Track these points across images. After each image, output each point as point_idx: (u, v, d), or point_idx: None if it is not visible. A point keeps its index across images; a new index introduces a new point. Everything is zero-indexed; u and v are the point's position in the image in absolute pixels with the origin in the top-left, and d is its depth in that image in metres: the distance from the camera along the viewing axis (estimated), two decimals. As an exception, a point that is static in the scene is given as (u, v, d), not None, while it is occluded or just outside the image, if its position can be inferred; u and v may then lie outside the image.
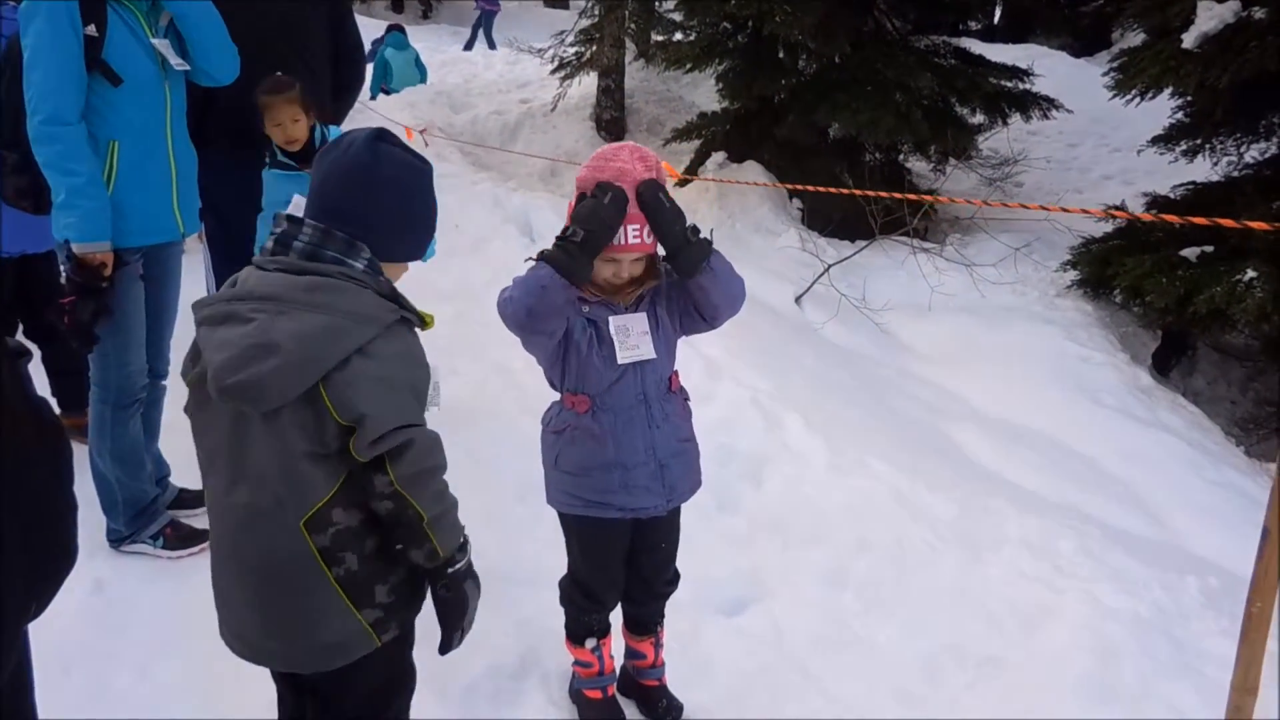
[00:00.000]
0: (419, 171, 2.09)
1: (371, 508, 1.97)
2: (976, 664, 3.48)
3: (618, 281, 2.65)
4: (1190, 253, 7.14)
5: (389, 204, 2.03)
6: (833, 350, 6.73)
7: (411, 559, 2.02)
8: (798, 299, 7.44)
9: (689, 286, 2.62)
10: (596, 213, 2.45)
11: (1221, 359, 8.16)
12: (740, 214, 8.89)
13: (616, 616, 3.01)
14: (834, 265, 7.67)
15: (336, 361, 1.88)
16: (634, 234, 2.53)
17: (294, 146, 3.83)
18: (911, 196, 6.48)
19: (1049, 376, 6.60)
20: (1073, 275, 7.87)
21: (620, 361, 2.66)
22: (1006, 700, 3.31)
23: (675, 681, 3.11)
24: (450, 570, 2.04)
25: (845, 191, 6.24)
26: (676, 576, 3.00)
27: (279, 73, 3.74)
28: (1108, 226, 8.01)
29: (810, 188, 6.34)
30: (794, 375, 5.81)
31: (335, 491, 1.95)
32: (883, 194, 6.36)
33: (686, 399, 2.87)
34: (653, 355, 2.70)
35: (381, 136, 2.04)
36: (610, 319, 2.67)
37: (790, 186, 8.16)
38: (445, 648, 2.10)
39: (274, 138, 3.82)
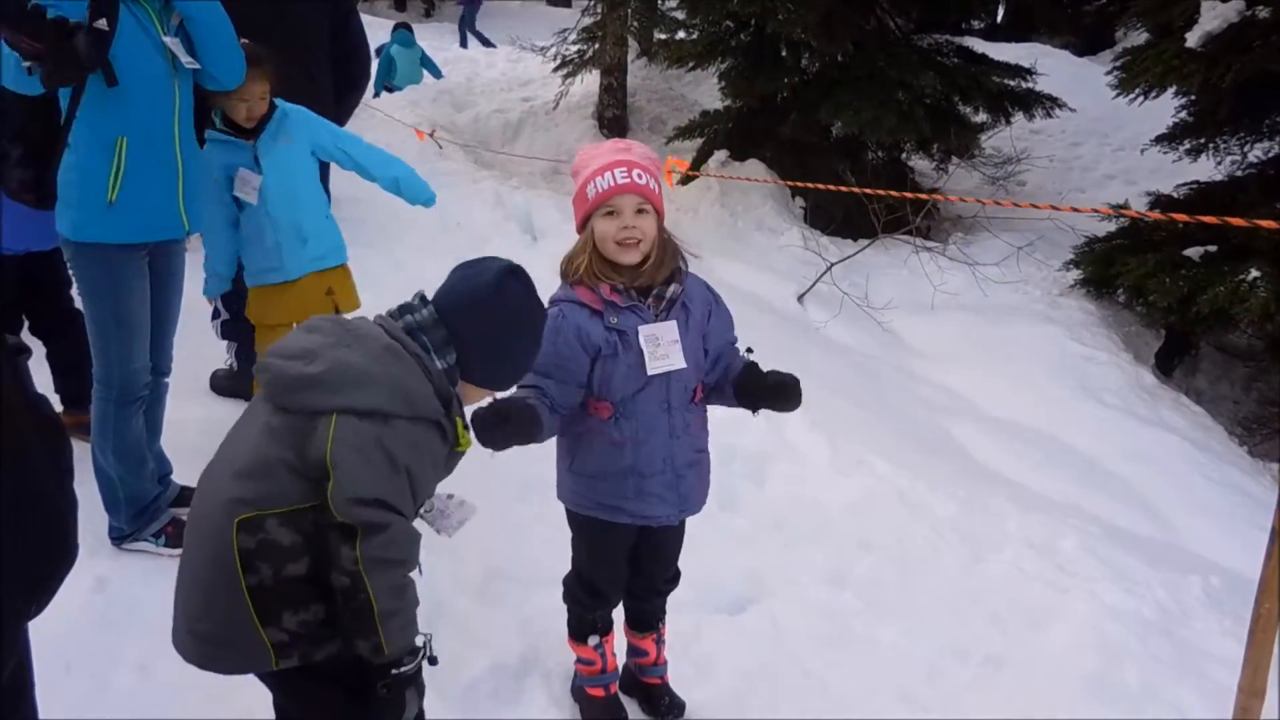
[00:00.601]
0: (531, 318, 2.26)
1: (330, 580, 1.95)
2: (978, 663, 3.47)
3: (627, 240, 2.56)
4: (1193, 252, 7.14)
5: (493, 336, 2.19)
6: (835, 349, 6.73)
7: (357, 649, 1.97)
8: (800, 298, 7.43)
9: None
10: (485, 427, 2.36)
11: (1224, 359, 8.15)
12: (743, 212, 8.89)
13: (618, 615, 3.00)
14: (836, 264, 7.66)
15: (359, 407, 1.94)
16: (621, 175, 2.51)
17: (252, 124, 3.66)
18: (914, 195, 6.49)
19: (1051, 375, 6.60)
20: (1075, 274, 7.87)
21: (650, 373, 2.62)
22: (1009, 700, 3.30)
23: (677, 680, 3.11)
24: (394, 672, 1.99)
25: (847, 190, 6.24)
26: (678, 574, 2.99)
27: (244, 40, 3.53)
28: (1111, 226, 8.00)
29: (813, 185, 6.34)
30: (796, 374, 5.81)
31: (286, 510, 1.95)
32: (885, 192, 6.35)
33: (706, 410, 2.83)
34: (683, 365, 2.65)
35: (514, 272, 2.19)
36: (640, 329, 2.61)
37: (793, 184, 8.15)
38: None
39: (237, 114, 3.63)
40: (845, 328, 7.05)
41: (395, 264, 6.01)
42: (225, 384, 4.28)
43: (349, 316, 2.25)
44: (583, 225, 2.65)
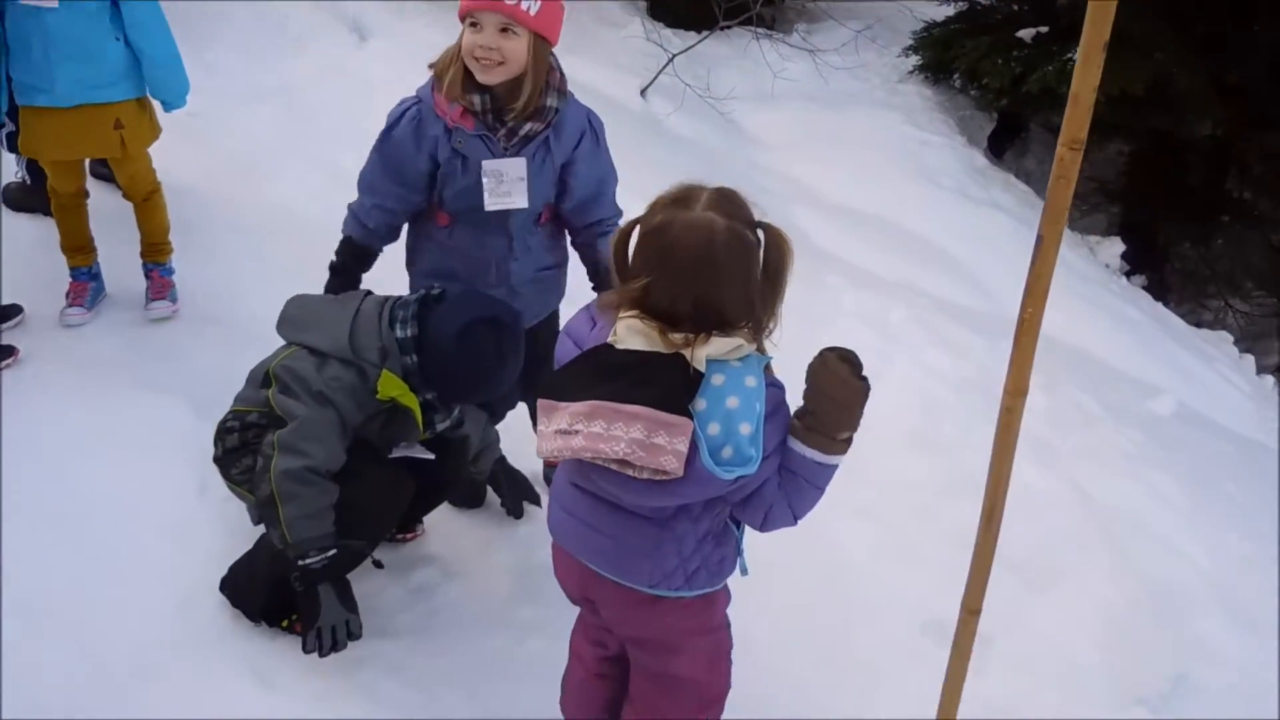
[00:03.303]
0: (485, 375, 2.41)
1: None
2: (812, 429, 3.64)
3: (485, 60, 2.35)
4: (1026, 34, 7.26)
5: (446, 378, 2.42)
6: (679, 142, 6.67)
7: (272, 537, 2.30)
8: (643, 91, 7.28)
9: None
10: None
11: (1052, 140, 8.41)
12: (585, 5, 8.54)
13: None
14: (678, 55, 7.50)
15: (309, 344, 2.39)
16: None
17: None
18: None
19: (889, 160, 6.72)
20: (914, 60, 7.92)
21: (488, 208, 2.50)
22: (838, 459, 3.50)
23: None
24: (301, 563, 2.25)
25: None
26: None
27: None
28: (949, 10, 8.05)
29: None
30: (640, 168, 5.72)
31: (245, 409, 2.47)
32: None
33: (559, 223, 2.71)
34: (524, 205, 2.53)
35: (485, 324, 2.35)
36: (484, 162, 2.46)
37: (633, -26, 7.83)
38: (303, 645, 2.28)
39: None
40: (689, 120, 6.97)
41: (207, 67, 5.57)
42: (17, 197, 3.94)
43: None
44: None
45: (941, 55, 7.66)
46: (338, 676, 2.37)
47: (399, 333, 2.38)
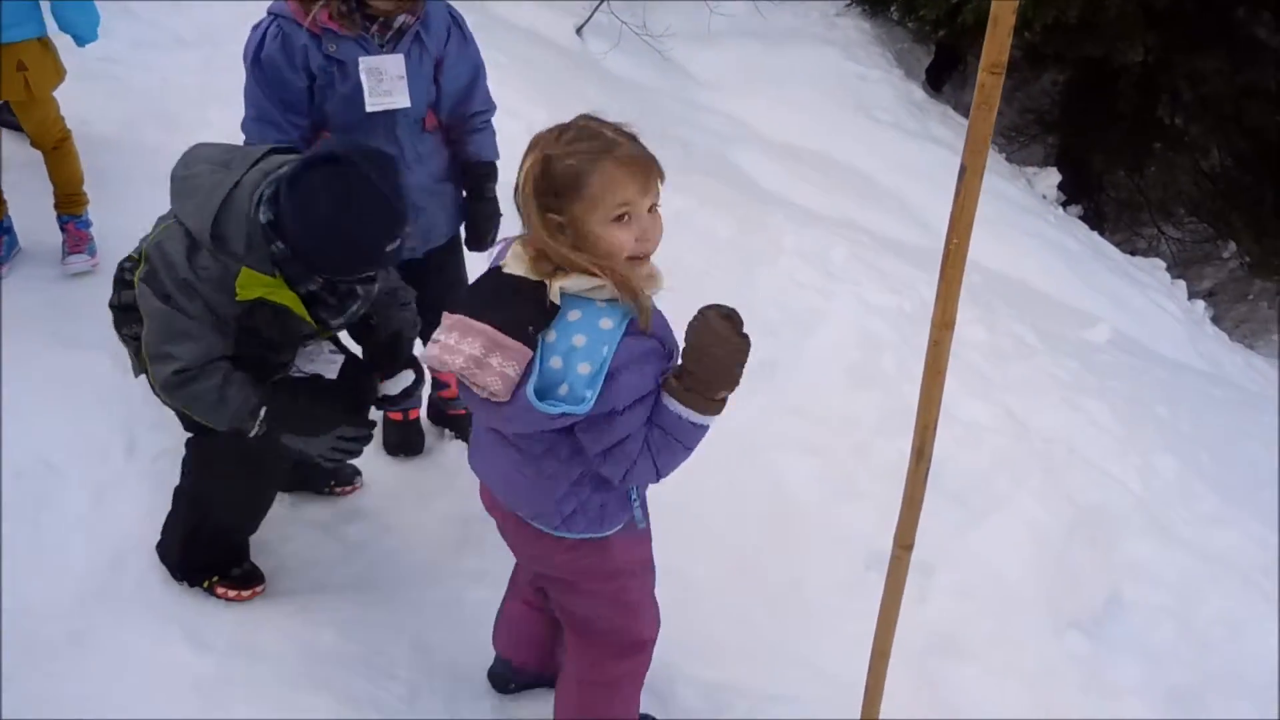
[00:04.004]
0: (325, 219, 1.99)
1: None
2: (754, 368, 3.61)
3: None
4: (962, -37, 7.22)
5: (291, 231, 2.04)
6: (616, 82, 6.56)
7: None
8: (579, 30, 7.14)
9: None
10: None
11: (990, 72, 8.45)
12: (516, -58, 8.32)
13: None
14: (614, -8, 7.36)
15: (180, 217, 2.12)
16: None
17: None
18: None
19: (828, 96, 6.69)
20: (852, -7, 7.86)
21: (369, 109, 2.44)
22: (782, 395, 3.51)
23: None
24: (250, 436, 2.15)
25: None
26: None
27: None
28: (886, -59, 7.97)
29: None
30: (575, 107, 5.60)
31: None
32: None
33: (443, 133, 2.68)
34: (407, 104, 2.48)
35: (325, 161, 1.99)
36: (361, 59, 2.41)
37: (564, -93, 7.62)
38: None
39: None
40: (626, 59, 6.86)
41: (126, 12, 5.34)
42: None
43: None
44: None
45: (879, -13, 7.61)
46: (274, 632, 2.33)
47: (262, 216, 2.05)
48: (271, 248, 2.06)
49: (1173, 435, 3.99)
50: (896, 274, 4.57)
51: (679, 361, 1.69)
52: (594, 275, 1.63)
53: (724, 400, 1.68)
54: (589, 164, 1.61)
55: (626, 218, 1.63)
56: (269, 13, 2.44)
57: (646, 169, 1.63)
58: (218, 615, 2.36)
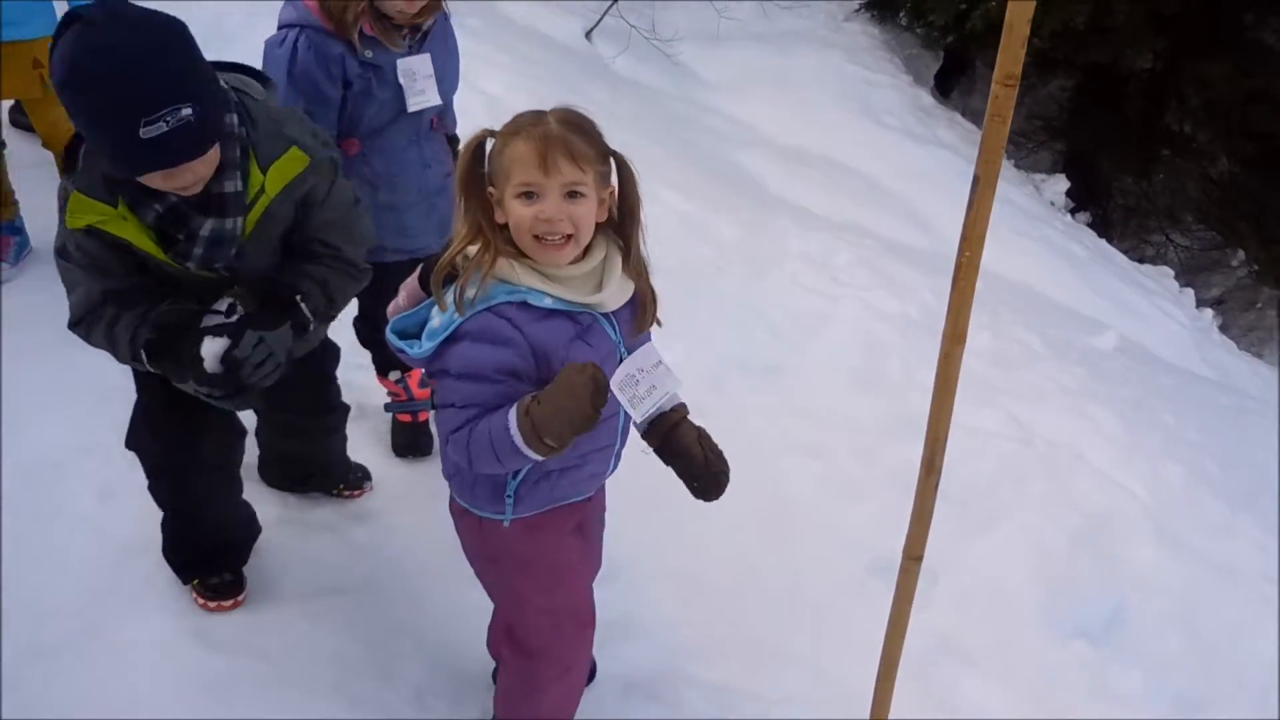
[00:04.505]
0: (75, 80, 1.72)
1: None
2: (759, 372, 3.65)
3: (409, 9, 2.39)
4: (970, -32, 7.22)
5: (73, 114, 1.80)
6: (624, 84, 6.57)
7: None
8: (588, 33, 7.15)
9: None
10: None
11: (997, 77, 8.45)
12: (524, -55, 8.34)
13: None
14: (623, -4, 7.38)
15: None
16: None
17: None
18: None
19: (835, 100, 6.69)
20: (860, -3, 7.87)
21: (411, 110, 2.51)
22: (786, 400, 3.52)
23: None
24: (153, 371, 2.00)
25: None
26: None
27: None
28: (894, -54, 7.97)
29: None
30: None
31: None
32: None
33: (443, 132, 2.75)
34: (437, 102, 2.56)
35: (77, 20, 1.72)
36: (399, 61, 2.47)
37: (574, -89, 7.64)
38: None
39: None
40: (634, 62, 6.87)
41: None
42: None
43: None
44: None
45: (887, -8, 7.61)
46: (280, 633, 2.34)
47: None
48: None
49: (1179, 443, 3.98)
50: (901, 278, 4.57)
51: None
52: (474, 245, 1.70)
53: (550, 447, 1.64)
54: (504, 140, 1.67)
55: (530, 195, 1.65)
56: (292, 24, 2.44)
57: (550, 150, 1.63)
58: (225, 616, 2.37)
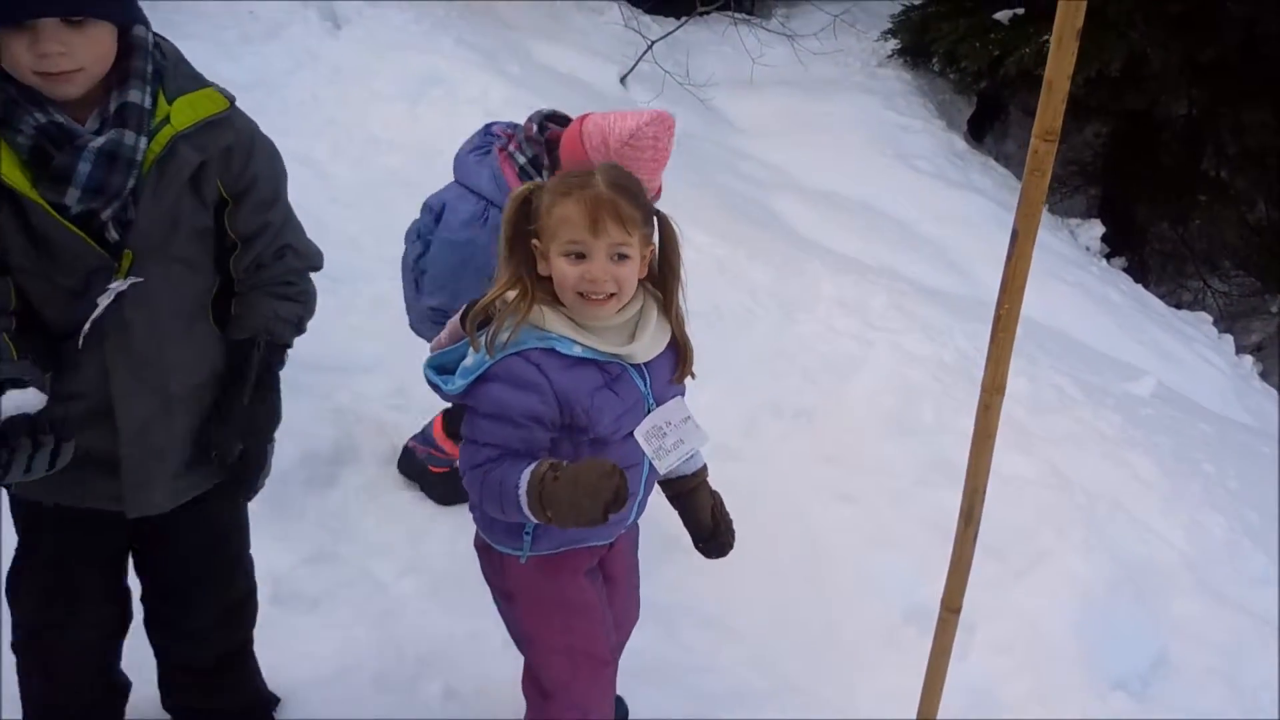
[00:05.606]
0: None
1: None
2: (792, 416, 3.64)
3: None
4: (1003, 15, 7.25)
5: None
6: (657, 129, 6.63)
7: None
8: (623, 79, 7.24)
9: None
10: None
11: (1031, 123, 8.46)
12: (561, -8, 8.48)
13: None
14: (658, 41, 7.47)
15: None
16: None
17: None
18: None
19: (869, 145, 6.71)
20: (893, 44, 7.91)
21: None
22: (818, 445, 3.49)
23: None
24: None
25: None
26: None
27: None
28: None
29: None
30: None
31: None
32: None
33: None
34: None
35: None
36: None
37: (610, -40, 7.79)
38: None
39: None
40: (668, 107, 6.88)
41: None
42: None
43: None
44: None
45: (920, 38, 7.66)
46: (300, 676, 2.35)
47: None
48: None
49: (1220, 492, 3.90)
50: (935, 323, 4.54)
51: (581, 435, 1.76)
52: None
53: (549, 518, 1.66)
54: (553, 199, 1.71)
55: (578, 255, 1.69)
56: (480, 194, 2.50)
57: (599, 213, 1.67)
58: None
